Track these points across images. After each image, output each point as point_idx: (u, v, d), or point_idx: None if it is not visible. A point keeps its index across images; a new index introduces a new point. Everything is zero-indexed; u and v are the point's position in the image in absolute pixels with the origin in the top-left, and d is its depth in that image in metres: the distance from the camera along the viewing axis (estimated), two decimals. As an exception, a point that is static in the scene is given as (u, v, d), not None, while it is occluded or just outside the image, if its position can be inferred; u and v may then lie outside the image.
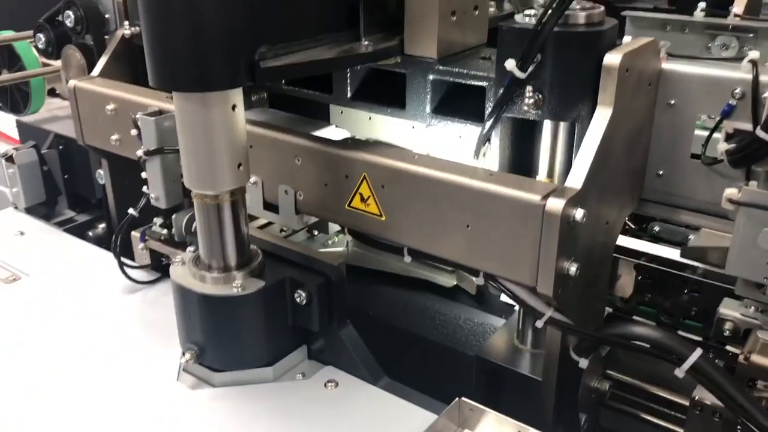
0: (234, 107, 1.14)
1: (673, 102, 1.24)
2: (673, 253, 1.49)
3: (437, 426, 1.13)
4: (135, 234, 1.64)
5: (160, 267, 1.67)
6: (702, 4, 1.73)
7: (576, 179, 1.08)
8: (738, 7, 1.71)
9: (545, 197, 1.05)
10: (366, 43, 1.23)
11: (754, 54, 1.13)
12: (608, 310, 1.50)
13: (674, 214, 1.31)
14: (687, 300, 1.45)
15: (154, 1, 1.01)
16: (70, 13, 1.80)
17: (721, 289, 1.35)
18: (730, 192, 1.13)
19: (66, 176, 2.07)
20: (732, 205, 1.12)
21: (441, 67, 1.28)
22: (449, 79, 1.30)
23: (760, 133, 1.06)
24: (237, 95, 1.14)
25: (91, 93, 1.67)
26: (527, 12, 1.16)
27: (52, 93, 2.53)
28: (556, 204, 1.04)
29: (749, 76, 1.12)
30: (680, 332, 1.43)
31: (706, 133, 1.20)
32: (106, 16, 1.81)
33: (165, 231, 1.60)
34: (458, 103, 1.32)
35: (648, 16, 1.83)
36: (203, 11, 1.00)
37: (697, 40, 1.75)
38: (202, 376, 1.32)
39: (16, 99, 2.46)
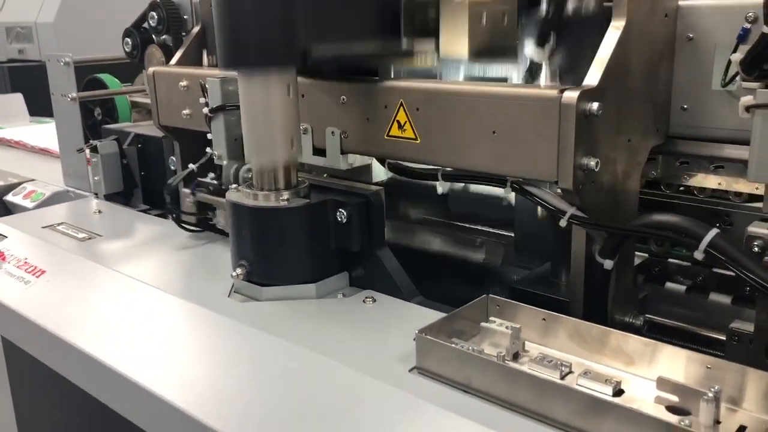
0: (288, 89, 1.33)
1: (692, 36, 1.32)
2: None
3: (462, 314, 1.18)
4: (185, 190, 1.79)
5: (205, 223, 1.81)
6: None
7: (592, 78, 1.16)
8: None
9: (561, 92, 1.14)
10: (405, 43, 1.44)
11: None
12: (644, 255, 1.52)
13: (702, 148, 1.37)
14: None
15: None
16: (155, 14, 2.04)
17: (754, 218, 1.37)
18: (746, 99, 1.18)
19: (142, 172, 2.27)
20: (749, 113, 1.17)
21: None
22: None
23: (766, 29, 1.12)
24: (291, 78, 1.34)
25: (166, 75, 1.88)
26: None
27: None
28: (571, 95, 1.13)
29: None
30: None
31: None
32: (185, 17, 2.05)
33: (215, 182, 1.74)
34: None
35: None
36: (268, 7, 1.25)
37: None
38: (250, 294, 1.42)
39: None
